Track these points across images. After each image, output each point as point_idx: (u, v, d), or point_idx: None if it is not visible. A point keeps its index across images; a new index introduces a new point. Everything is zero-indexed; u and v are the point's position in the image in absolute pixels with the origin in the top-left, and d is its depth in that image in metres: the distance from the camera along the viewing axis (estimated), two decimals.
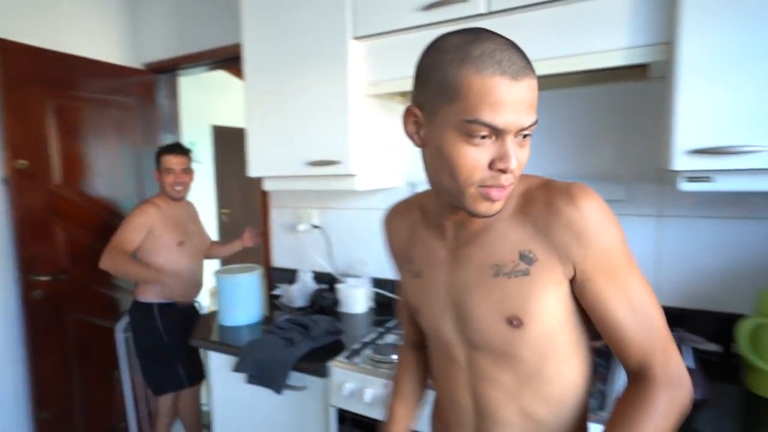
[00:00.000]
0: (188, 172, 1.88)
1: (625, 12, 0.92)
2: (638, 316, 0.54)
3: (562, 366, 0.60)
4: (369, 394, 1.06)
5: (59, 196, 1.91)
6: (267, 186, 1.55)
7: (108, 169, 2.14)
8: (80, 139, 2.01)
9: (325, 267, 1.79)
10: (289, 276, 1.87)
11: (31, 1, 1.92)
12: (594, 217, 0.53)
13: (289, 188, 1.50)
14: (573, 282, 0.56)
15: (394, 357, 1.10)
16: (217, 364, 1.40)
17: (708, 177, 0.88)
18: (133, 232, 1.73)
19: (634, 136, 1.21)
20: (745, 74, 0.82)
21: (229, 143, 6.29)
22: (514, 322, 0.57)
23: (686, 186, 0.91)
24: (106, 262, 1.70)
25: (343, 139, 1.28)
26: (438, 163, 0.55)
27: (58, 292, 1.91)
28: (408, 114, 0.57)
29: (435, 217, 0.65)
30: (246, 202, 6.70)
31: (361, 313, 1.60)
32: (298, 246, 1.91)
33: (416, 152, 0.60)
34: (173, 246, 1.81)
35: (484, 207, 0.54)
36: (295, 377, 1.21)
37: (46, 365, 1.89)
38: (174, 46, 2.21)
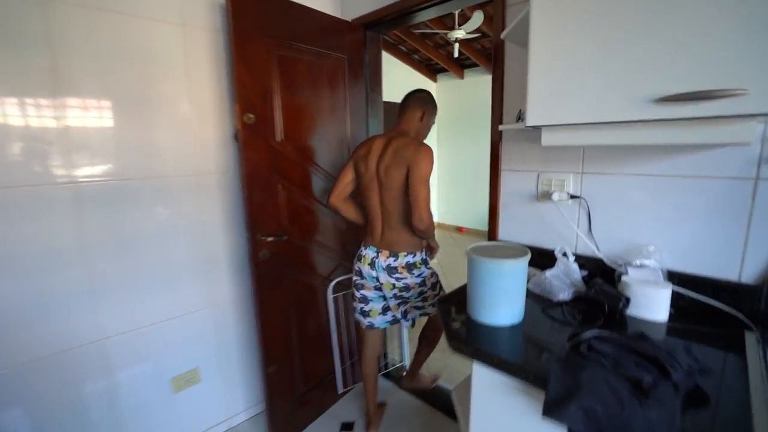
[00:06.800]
0: None
1: None
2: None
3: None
4: None
5: (280, 153, 1.83)
6: (547, 140, 1.17)
7: (321, 128, 2.02)
8: (298, 94, 1.89)
9: (595, 251, 1.38)
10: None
11: None
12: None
13: (590, 142, 1.09)
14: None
15: None
16: (482, 377, 1.07)
17: None
18: None
19: None
20: None
21: (388, 117, 6.48)
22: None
23: None
24: None
25: (758, 53, 0.78)
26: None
27: (279, 252, 1.86)
28: (422, 114, 1.77)
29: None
30: None
31: (662, 323, 1.16)
32: (542, 221, 1.53)
33: None
34: None
35: None
36: None
37: (271, 323, 1.88)
38: None
